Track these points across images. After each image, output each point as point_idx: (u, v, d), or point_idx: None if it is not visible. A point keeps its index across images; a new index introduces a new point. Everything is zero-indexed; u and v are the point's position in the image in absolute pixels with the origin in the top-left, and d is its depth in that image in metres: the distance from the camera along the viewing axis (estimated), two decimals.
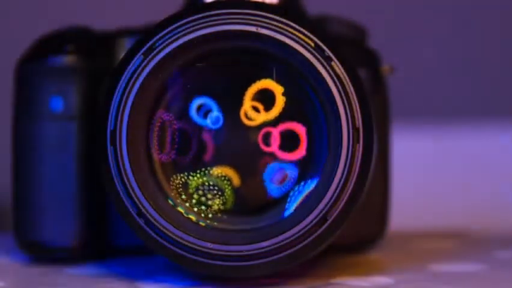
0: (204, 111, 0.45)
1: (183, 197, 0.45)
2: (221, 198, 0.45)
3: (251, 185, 0.45)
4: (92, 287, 0.46)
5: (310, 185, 0.44)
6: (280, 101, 0.45)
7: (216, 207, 0.45)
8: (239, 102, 0.45)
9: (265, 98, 0.45)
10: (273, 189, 0.45)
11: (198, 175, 0.45)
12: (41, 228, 0.49)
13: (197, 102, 0.45)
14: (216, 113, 0.45)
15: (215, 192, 0.45)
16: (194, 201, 0.45)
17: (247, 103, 0.45)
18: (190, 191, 0.45)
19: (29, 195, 0.49)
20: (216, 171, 0.45)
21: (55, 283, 0.46)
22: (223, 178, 0.45)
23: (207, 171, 0.45)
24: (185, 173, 0.45)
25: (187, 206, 0.45)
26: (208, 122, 0.45)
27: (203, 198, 0.45)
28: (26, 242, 0.50)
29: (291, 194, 0.44)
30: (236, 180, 0.45)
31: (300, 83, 0.44)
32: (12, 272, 0.50)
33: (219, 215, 0.45)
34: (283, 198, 0.45)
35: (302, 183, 0.44)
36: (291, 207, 0.44)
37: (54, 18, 0.57)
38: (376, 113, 0.44)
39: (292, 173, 0.45)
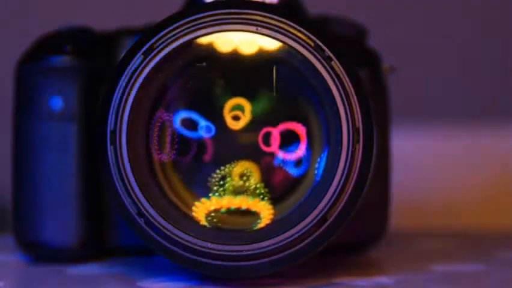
0: (191, 124, 0.45)
1: (185, 199, 0.45)
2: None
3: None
4: (92, 287, 0.46)
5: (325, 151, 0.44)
6: (247, 115, 0.45)
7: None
8: (220, 114, 0.45)
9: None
10: (292, 170, 0.45)
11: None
12: (41, 229, 0.49)
13: (181, 115, 0.45)
14: (203, 122, 0.45)
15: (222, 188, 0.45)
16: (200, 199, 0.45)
17: (227, 115, 0.45)
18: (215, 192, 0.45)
19: (29, 196, 0.49)
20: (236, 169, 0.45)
21: (55, 283, 0.46)
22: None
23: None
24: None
25: (188, 206, 0.45)
26: (201, 132, 0.45)
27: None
28: (26, 242, 0.50)
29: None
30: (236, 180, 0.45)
31: (300, 83, 0.44)
32: (12, 272, 0.50)
33: (219, 214, 0.45)
34: (303, 177, 0.45)
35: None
36: (320, 173, 0.44)
37: (55, 18, 0.57)
38: (376, 113, 0.44)
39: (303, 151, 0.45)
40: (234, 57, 0.44)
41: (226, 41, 0.44)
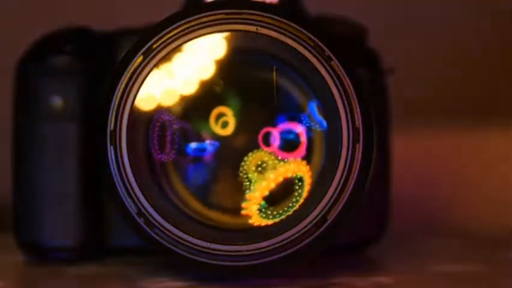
0: (199, 148, 0.45)
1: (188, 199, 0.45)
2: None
3: None
4: (92, 287, 0.46)
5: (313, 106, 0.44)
6: (232, 119, 0.45)
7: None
8: (209, 126, 0.45)
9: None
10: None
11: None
12: (40, 229, 0.49)
13: (190, 147, 0.45)
14: (209, 146, 0.45)
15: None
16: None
17: (216, 127, 0.45)
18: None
19: (28, 196, 0.49)
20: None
21: (55, 283, 0.46)
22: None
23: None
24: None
25: (188, 206, 0.45)
26: (207, 148, 0.45)
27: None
28: (25, 242, 0.50)
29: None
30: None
31: (300, 83, 0.44)
32: (12, 272, 0.50)
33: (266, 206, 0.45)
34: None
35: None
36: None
37: (54, 18, 0.57)
38: (376, 113, 0.44)
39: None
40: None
41: (148, 99, 0.44)
